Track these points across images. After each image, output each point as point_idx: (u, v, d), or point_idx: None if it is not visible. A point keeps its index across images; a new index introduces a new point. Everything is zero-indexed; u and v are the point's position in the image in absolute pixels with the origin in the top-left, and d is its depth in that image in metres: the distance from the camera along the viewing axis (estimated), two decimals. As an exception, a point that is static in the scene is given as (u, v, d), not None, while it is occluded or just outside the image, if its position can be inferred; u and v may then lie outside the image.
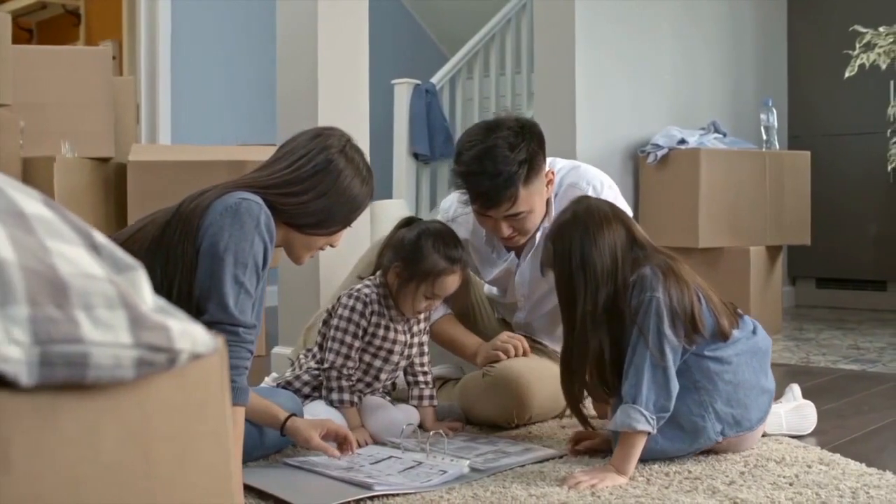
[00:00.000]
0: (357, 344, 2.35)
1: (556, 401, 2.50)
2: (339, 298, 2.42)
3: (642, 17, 4.51)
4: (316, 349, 2.43)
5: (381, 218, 4.38)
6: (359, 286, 2.40)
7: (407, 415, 2.38)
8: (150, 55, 5.70)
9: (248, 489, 1.89)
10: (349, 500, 1.82)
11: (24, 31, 7.47)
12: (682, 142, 4.29)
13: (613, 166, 4.19)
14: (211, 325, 1.79)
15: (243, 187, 1.99)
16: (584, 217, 2.05)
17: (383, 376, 2.41)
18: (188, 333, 0.70)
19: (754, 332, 2.13)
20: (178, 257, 1.89)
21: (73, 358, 0.63)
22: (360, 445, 2.20)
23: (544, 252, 2.13)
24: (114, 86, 3.55)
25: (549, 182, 2.39)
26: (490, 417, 2.45)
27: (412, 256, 2.31)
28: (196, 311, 1.83)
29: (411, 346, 2.43)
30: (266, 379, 2.57)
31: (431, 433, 2.23)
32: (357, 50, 3.33)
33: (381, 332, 2.36)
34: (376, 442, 2.29)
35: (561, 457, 2.16)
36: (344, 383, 2.33)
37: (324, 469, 2.01)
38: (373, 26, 3.41)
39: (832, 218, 5.20)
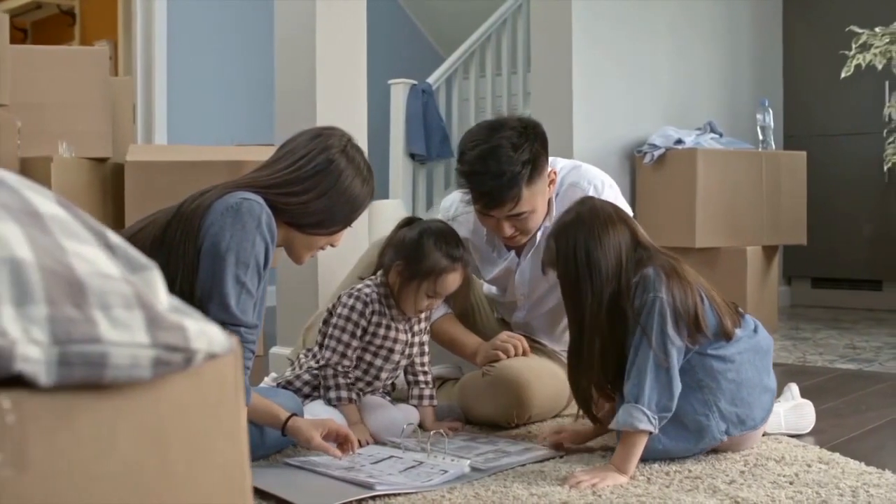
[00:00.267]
0: (355, 343, 2.35)
1: (555, 400, 2.51)
2: (339, 297, 2.42)
3: (639, 17, 4.52)
4: (316, 349, 2.43)
5: (378, 218, 4.38)
6: (359, 285, 2.40)
7: (406, 414, 2.38)
8: (146, 55, 5.69)
9: (250, 489, 1.88)
10: (351, 499, 1.82)
11: (19, 31, 7.45)
12: (679, 142, 4.30)
13: (610, 166, 4.19)
14: (213, 325, 1.78)
15: (244, 187, 1.99)
16: (589, 217, 2.06)
17: (384, 375, 2.41)
18: (204, 333, 0.71)
19: (755, 330, 2.14)
20: (180, 257, 1.89)
21: (92, 358, 0.63)
22: (360, 444, 2.20)
23: (546, 251, 2.13)
24: (111, 86, 3.54)
25: (552, 182, 2.40)
26: (490, 417, 2.46)
27: (414, 255, 2.31)
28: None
29: (412, 345, 2.43)
30: (266, 379, 2.57)
31: (432, 433, 2.23)
32: (355, 50, 3.33)
33: (381, 331, 2.37)
34: (377, 442, 2.29)
35: (561, 456, 2.16)
36: (341, 381, 2.33)
37: (325, 469, 2.01)
38: (369, 27, 3.42)
39: (827, 218, 5.22)
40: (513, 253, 2.55)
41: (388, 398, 2.46)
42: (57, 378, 0.62)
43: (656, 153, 4.28)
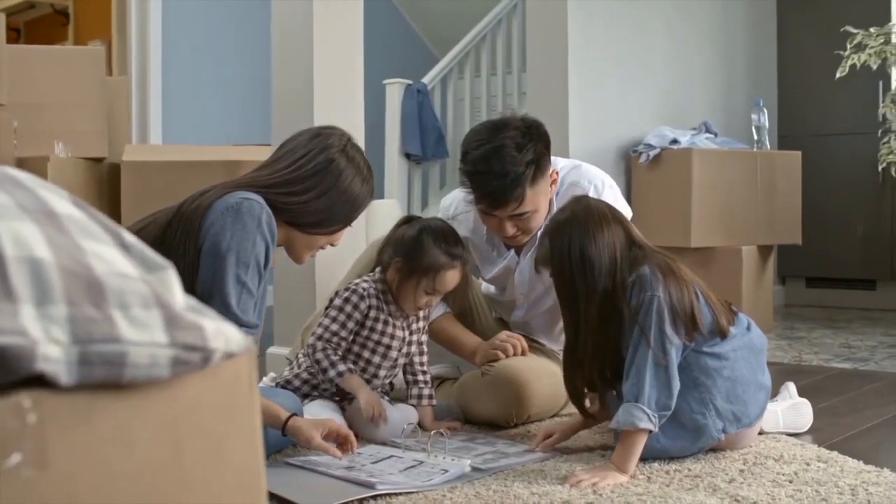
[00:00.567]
0: (344, 333, 2.34)
1: (554, 399, 2.51)
2: (336, 293, 2.43)
3: (635, 17, 4.52)
4: (314, 348, 2.43)
5: (373, 218, 4.38)
6: (357, 281, 2.42)
7: (405, 414, 2.38)
8: (141, 55, 5.67)
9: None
10: (352, 499, 1.82)
11: (12, 31, 7.42)
12: (674, 142, 4.31)
13: (606, 166, 4.18)
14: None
15: (244, 187, 1.99)
16: (583, 216, 2.06)
17: (382, 373, 2.41)
18: (221, 332, 0.71)
19: (749, 328, 2.15)
20: (180, 257, 1.89)
21: (112, 357, 0.64)
22: (373, 411, 2.22)
23: (540, 250, 2.14)
24: (107, 86, 3.53)
25: (553, 182, 2.41)
26: (489, 416, 2.46)
27: (413, 252, 2.32)
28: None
29: (410, 343, 2.43)
30: (264, 378, 2.57)
31: (432, 432, 2.23)
32: (352, 50, 3.34)
33: (379, 326, 2.37)
34: (377, 441, 2.29)
35: (561, 455, 2.16)
36: (333, 357, 2.32)
37: (325, 468, 2.01)
38: (364, 27, 3.42)
39: (822, 217, 5.23)
40: (512, 252, 2.56)
41: (386, 398, 2.46)
42: (77, 378, 0.62)
43: (652, 153, 4.29)
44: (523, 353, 2.50)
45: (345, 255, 2.80)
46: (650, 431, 1.97)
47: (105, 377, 0.64)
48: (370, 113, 3.64)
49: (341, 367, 2.31)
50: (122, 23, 5.81)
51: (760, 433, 2.28)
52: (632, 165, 4.42)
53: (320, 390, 2.39)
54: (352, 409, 2.37)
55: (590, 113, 4.25)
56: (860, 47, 4.29)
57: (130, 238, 0.73)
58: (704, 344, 2.05)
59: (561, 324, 2.45)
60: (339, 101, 3.27)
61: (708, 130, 4.55)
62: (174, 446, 0.69)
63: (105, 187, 3.42)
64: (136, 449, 0.66)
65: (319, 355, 2.32)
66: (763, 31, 5.47)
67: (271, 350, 3.37)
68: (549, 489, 1.88)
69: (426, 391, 2.46)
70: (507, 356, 2.48)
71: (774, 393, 2.42)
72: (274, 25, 3.37)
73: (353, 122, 3.23)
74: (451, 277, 2.34)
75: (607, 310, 2.03)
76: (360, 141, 3.08)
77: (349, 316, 2.35)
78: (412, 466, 2.06)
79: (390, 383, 2.50)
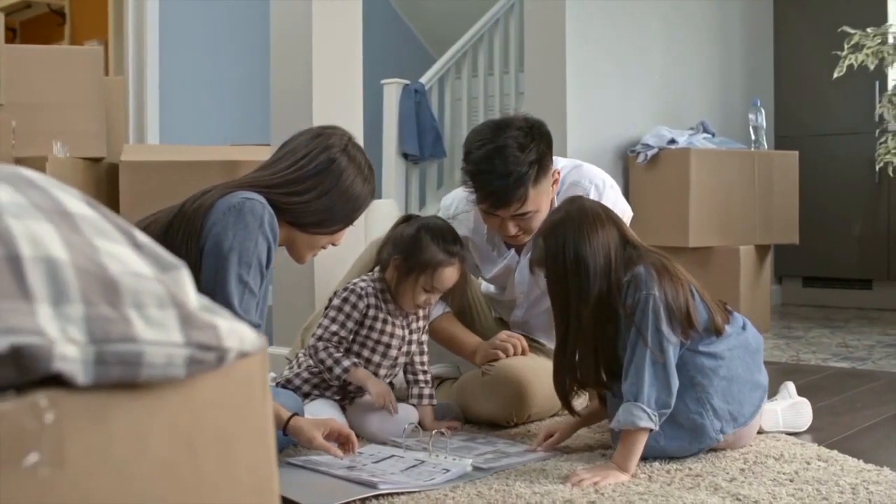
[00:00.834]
0: (344, 333, 2.34)
1: (554, 399, 2.49)
2: (334, 293, 2.43)
3: (632, 17, 4.53)
4: (314, 348, 2.43)
5: (371, 218, 4.38)
6: (355, 280, 2.42)
7: (405, 414, 2.38)
8: (138, 55, 5.67)
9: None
10: (354, 498, 1.83)
11: (8, 31, 7.40)
12: (672, 142, 4.32)
13: (604, 166, 4.17)
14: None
15: (246, 187, 1.99)
16: (577, 216, 2.06)
17: (382, 372, 2.41)
18: (235, 332, 0.71)
19: (744, 327, 2.15)
20: (182, 257, 1.87)
21: (128, 357, 0.64)
22: (384, 401, 2.24)
23: (535, 250, 2.14)
24: (105, 86, 3.53)
25: (555, 181, 2.41)
26: (489, 416, 2.46)
27: (411, 249, 2.32)
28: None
29: (410, 342, 2.44)
30: (264, 378, 2.57)
31: (433, 432, 2.23)
32: (351, 50, 3.33)
33: (378, 324, 2.37)
34: (378, 441, 2.29)
35: (562, 455, 2.17)
36: (335, 353, 2.32)
37: (327, 468, 2.01)
38: (362, 27, 3.42)
39: (819, 217, 5.25)
40: (512, 251, 2.56)
41: (388, 395, 2.46)
42: (94, 377, 0.62)
43: (649, 153, 4.30)
44: (523, 353, 2.50)
45: (344, 254, 2.80)
46: (651, 430, 1.97)
47: (121, 377, 0.64)
48: (368, 113, 3.64)
49: (346, 363, 2.31)
50: (119, 22, 5.80)
51: (760, 432, 2.28)
52: (629, 165, 4.43)
53: (321, 390, 2.39)
54: (353, 408, 2.37)
55: (587, 113, 4.26)
56: (857, 47, 4.30)
57: (143, 238, 0.73)
58: (700, 343, 2.05)
59: (561, 324, 2.46)
60: (337, 100, 3.27)
61: (705, 130, 4.56)
62: (188, 446, 0.69)
63: (103, 187, 3.42)
64: (151, 448, 0.66)
65: (322, 355, 2.32)
66: (760, 31, 5.49)
67: (271, 350, 3.37)
68: (550, 488, 1.88)
69: (426, 391, 2.46)
70: (507, 356, 2.48)
71: (774, 392, 2.43)
72: (273, 25, 3.37)
73: (353, 122, 3.23)
74: (450, 275, 2.35)
75: (602, 310, 2.03)
76: (359, 141, 3.08)
77: (348, 315, 2.35)
78: (414, 466, 2.06)
79: (390, 383, 2.50)
